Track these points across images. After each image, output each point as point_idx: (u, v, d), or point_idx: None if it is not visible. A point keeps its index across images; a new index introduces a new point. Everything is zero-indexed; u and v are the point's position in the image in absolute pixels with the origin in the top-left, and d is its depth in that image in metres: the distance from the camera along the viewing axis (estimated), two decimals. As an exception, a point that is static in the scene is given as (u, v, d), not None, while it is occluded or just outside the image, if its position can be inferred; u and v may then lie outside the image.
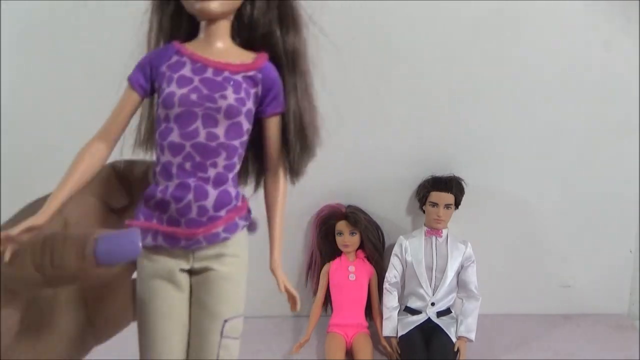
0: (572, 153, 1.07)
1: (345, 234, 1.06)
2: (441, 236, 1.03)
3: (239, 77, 0.29)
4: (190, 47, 0.30)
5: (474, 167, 1.06)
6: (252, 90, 0.30)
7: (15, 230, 0.26)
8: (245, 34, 0.31)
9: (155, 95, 0.30)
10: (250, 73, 0.30)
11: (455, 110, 1.05)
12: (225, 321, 0.30)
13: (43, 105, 1.05)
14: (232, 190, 0.30)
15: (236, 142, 0.29)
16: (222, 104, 0.28)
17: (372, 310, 1.08)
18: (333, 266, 1.07)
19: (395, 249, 1.05)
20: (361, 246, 1.08)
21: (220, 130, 0.29)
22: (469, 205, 1.06)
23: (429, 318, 1.01)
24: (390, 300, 1.04)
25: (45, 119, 1.06)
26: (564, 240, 1.12)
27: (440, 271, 1.02)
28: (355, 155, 1.07)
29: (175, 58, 0.30)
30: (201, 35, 0.30)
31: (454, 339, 0.99)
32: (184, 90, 0.28)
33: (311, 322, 1.06)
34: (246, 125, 0.29)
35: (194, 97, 0.28)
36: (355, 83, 1.01)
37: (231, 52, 0.30)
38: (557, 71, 1.03)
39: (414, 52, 1.02)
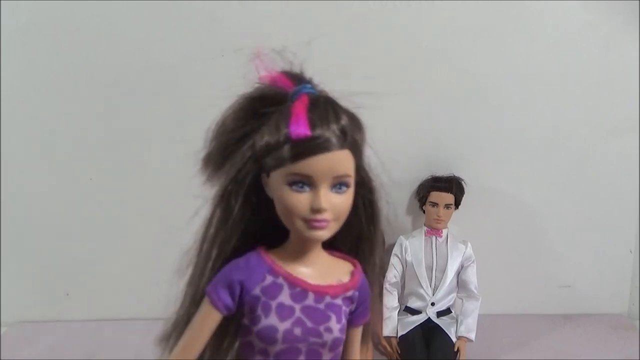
0: (572, 153, 1.07)
1: (345, 234, 1.05)
2: (441, 236, 1.03)
3: (339, 301, 0.28)
4: (281, 261, 0.28)
5: (474, 167, 1.06)
6: (348, 309, 0.29)
7: None
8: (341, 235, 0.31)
9: (245, 319, 0.28)
10: (349, 293, 0.29)
11: (455, 111, 1.05)
12: None
13: (43, 104, 1.05)
14: None
15: None
16: (328, 338, 0.27)
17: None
18: (333, 266, 1.07)
19: (395, 249, 1.05)
20: (361, 246, 1.08)
21: None
22: (469, 205, 1.06)
23: (429, 318, 1.01)
24: (390, 300, 1.03)
25: (45, 119, 1.06)
26: (564, 240, 1.12)
27: (440, 271, 1.02)
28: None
29: (269, 279, 0.27)
30: (291, 244, 0.29)
31: (454, 339, 0.99)
32: (287, 325, 0.26)
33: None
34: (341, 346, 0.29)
35: (297, 331, 0.27)
36: (356, 83, 1.01)
37: (326, 267, 0.29)
38: (557, 71, 1.03)
39: (414, 53, 1.02)
